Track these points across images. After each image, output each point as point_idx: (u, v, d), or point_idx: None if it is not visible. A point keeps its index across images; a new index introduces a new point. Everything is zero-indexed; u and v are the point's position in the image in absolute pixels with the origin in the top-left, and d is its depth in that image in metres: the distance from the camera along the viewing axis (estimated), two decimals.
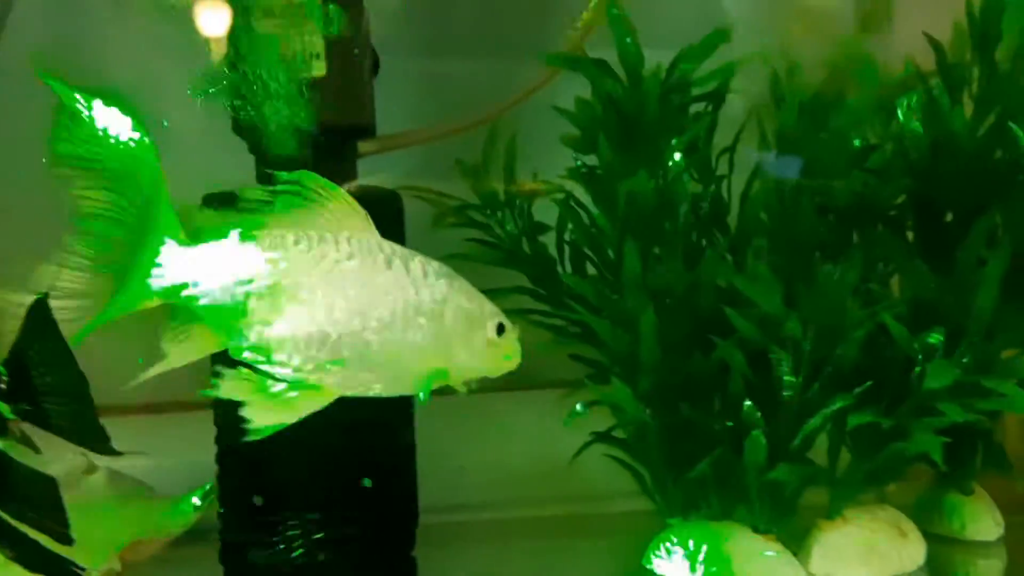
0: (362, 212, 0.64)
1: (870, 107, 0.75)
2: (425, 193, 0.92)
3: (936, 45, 0.75)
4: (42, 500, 0.68)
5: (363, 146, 0.87)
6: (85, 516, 0.82)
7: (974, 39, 0.74)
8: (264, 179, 0.85)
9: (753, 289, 0.74)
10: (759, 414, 0.74)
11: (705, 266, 0.77)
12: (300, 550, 0.82)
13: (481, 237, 0.92)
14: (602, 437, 0.86)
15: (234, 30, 0.81)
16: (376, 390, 0.64)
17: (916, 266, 0.73)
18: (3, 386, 0.66)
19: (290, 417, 0.63)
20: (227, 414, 0.77)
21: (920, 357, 0.71)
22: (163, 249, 0.63)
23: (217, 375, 0.63)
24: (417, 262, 0.63)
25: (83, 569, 0.68)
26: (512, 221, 0.90)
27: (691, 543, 0.78)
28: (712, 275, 0.77)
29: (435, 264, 0.64)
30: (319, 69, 0.82)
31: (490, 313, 0.64)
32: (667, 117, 0.75)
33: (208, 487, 0.86)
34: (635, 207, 0.75)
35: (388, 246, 0.64)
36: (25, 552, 0.67)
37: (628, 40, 0.77)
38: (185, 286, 0.63)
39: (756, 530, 0.78)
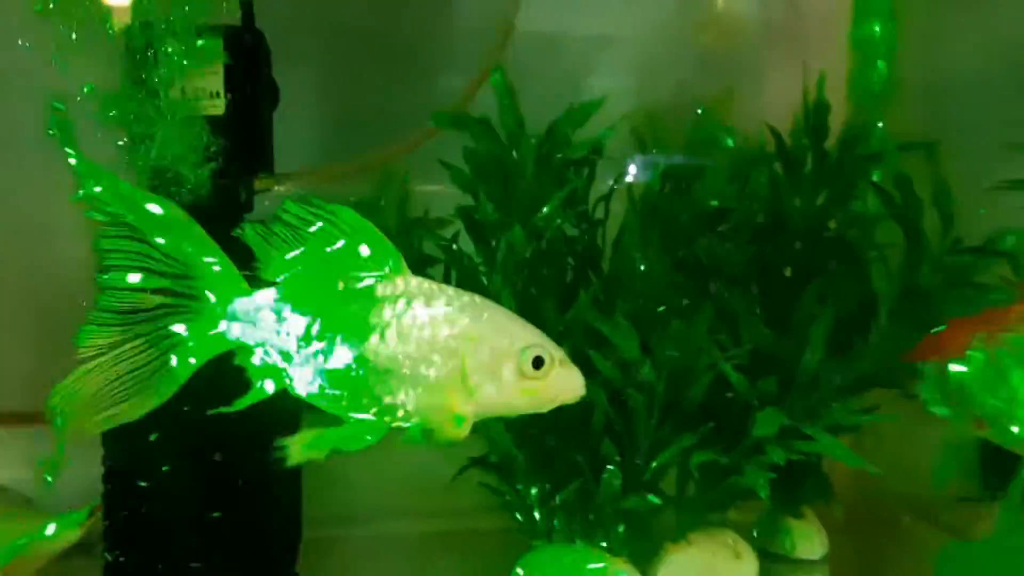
0: (395, 251, 0.65)
1: (725, 176, 0.84)
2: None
3: (775, 132, 0.85)
4: None
5: (260, 183, 0.91)
6: None
7: (807, 130, 0.84)
8: None
9: (615, 334, 0.82)
10: (616, 449, 0.82)
11: (576, 311, 0.85)
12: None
13: None
14: (477, 462, 0.93)
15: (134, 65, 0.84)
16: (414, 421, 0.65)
17: (754, 321, 0.82)
18: None
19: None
20: (114, 434, 0.80)
21: (756, 403, 0.81)
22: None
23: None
24: (447, 296, 0.64)
25: None
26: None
27: (551, 562, 0.86)
28: (582, 318, 0.85)
29: (467, 297, 0.64)
30: (217, 108, 0.86)
31: (522, 347, 0.63)
32: (543, 174, 0.82)
33: (94, 504, 0.89)
34: (512, 256, 0.82)
35: (426, 283, 0.65)
36: None
37: (507, 103, 0.84)
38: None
39: (611, 552, 0.86)
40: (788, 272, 0.86)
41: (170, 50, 0.84)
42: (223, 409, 0.66)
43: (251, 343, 0.65)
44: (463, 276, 0.89)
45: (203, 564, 0.85)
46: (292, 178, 0.96)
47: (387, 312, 0.63)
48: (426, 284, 0.65)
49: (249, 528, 0.85)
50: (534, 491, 0.86)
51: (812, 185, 0.83)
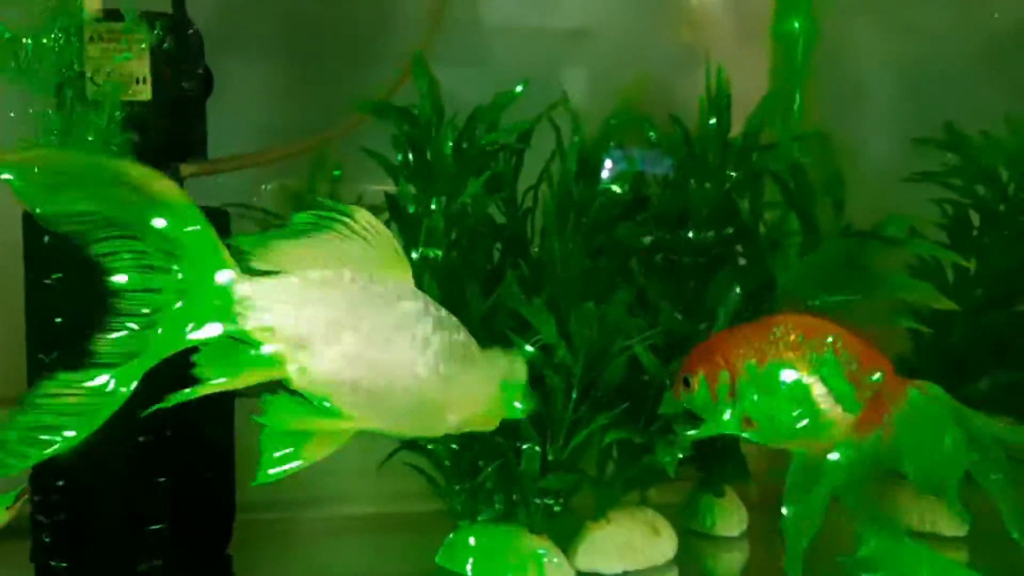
0: (405, 260, 0.64)
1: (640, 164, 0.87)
2: (252, 212, 0.99)
3: (678, 122, 0.88)
4: None
5: (186, 168, 0.92)
6: None
7: (711, 119, 0.87)
8: None
9: (533, 317, 0.85)
10: (535, 430, 0.85)
11: (499, 294, 0.87)
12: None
13: None
14: (407, 445, 0.95)
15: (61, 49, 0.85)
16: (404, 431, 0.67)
17: (664, 306, 0.85)
18: None
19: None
20: None
21: (668, 383, 0.83)
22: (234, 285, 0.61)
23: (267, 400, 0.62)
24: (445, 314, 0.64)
25: None
26: None
27: (476, 542, 0.89)
28: (506, 302, 0.87)
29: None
30: (144, 93, 0.87)
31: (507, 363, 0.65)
32: (464, 160, 0.84)
33: (21, 488, 0.90)
34: (432, 239, 0.84)
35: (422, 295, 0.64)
36: None
37: (426, 90, 0.86)
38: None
39: (532, 530, 0.89)
40: (699, 258, 0.89)
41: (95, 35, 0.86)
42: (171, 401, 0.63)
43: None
44: None
45: (133, 545, 0.85)
46: (222, 163, 0.97)
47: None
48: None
49: (180, 510, 0.86)
50: (456, 472, 0.88)
51: (717, 173, 0.86)
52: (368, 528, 1.05)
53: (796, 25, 1.17)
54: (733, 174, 0.85)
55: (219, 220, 0.90)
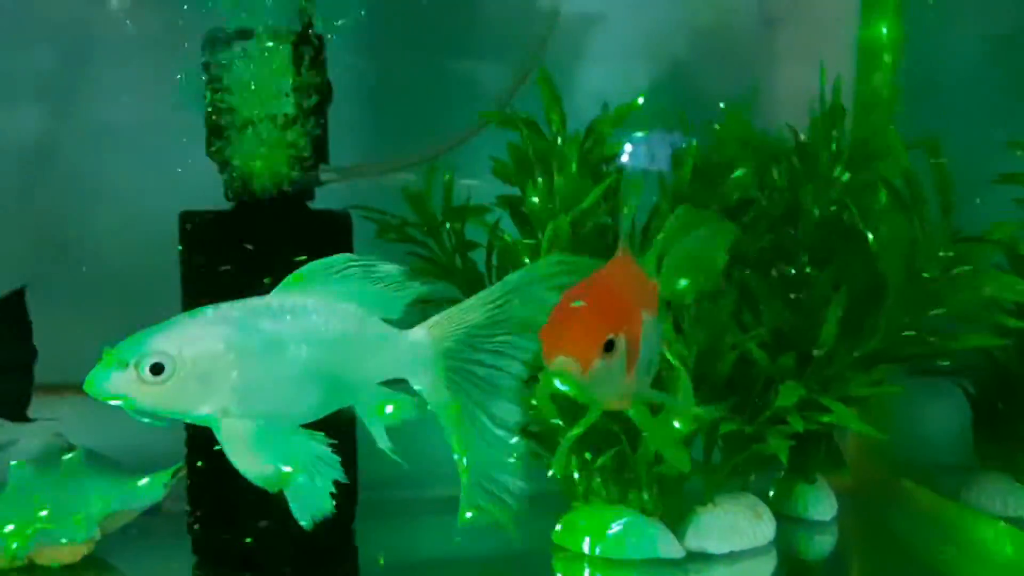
0: None
1: (749, 171, 0.93)
2: (373, 213, 1.06)
3: (792, 130, 0.94)
4: None
5: (325, 175, 0.99)
6: (68, 491, 0.94)
7: (824, 129, 0.92)
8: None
9: None
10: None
11: None
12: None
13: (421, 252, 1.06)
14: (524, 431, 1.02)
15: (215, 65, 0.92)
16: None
17: (775, 304, 0.91)
18: None
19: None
20: None
21: (777, 377, 0.90)
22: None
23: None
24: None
25: None
26: (447, 239, 1.05)
27: (591, 522, 0.95)
28: None
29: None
30: (290, 106, 0.94)
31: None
32: (583, 169, 0.91)
33: (177, 466, 0.98)
34: (557, 243, 0.91)
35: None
36: None
37: (552, 103, 0.92)
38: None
39: (644, 512, 0.95)
40: (804, 259, 0.95)
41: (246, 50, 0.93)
42: None
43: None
44: (507, 258, 0.98)
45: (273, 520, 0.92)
46: (353, 171, 1.04)
47: None
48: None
49: None
50: (575, 457, 0.95)
51: (826, 179, 0.92)
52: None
53: (884, 30, 1.21)
54: (843, 178, 0.90)
55: (342, 222, 0.98)
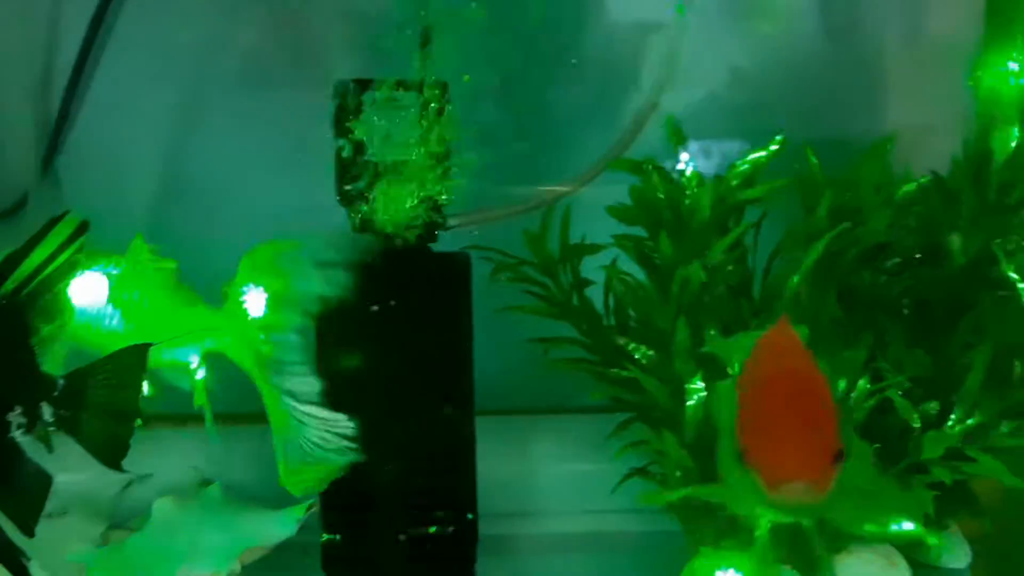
0: None
1: (885, 216, 0.91)
2: (491, 253, 1.07)
3: (935, 175, 0.92)
4: (30, 493, 0.77)
5: (452, 220, 1.02)
6: (208, 524, 0.98)
7: (969, 174, 0.90)
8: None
9: None
10: None
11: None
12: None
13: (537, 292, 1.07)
14: (639, 472, 1.02)
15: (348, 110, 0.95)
16: None
17: (916, 353, 0.89)
18: (56, 392, 0.78)
19: None
20: None
21: (919, 426, 0.88)
22: None
23: None
24: None
25: (28, 559, 0.76)
26: (564, 278, 1.06)
27: (719, 568, 0.95)
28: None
29: None
30: (441, 146, 0.97)
31: None
32: (716, 218, 0.91)
33: (311, 502, 1.01)
34: (687, 290, 0.91)
35: None
36: None
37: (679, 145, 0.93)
38: None
39: (776, 559, 0.94)
40: (944, 304, 0.92)
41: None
42: None
43: None
44: (633, 298, 0.98)
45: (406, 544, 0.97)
46: (475, 216, 1.07)
47: None
48: None
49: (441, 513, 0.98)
50: (703, 502, 0.94)
51: (970, 223, 0.89)
52: (603, 545, 1.12)
53: (1010, 61, 1.18)
54: (990, 224, 0.88)
55: (462, 264, 1.00)
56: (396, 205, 0.95)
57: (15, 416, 0.77)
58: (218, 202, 1.24)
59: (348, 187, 0.97)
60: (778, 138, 0.92)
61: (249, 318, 0.91)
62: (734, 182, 0.91)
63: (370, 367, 0.97)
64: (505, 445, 1.10)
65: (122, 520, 1.01)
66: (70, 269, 0.78)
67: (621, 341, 0.97)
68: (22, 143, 1.26)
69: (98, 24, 1.27)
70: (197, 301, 0.96)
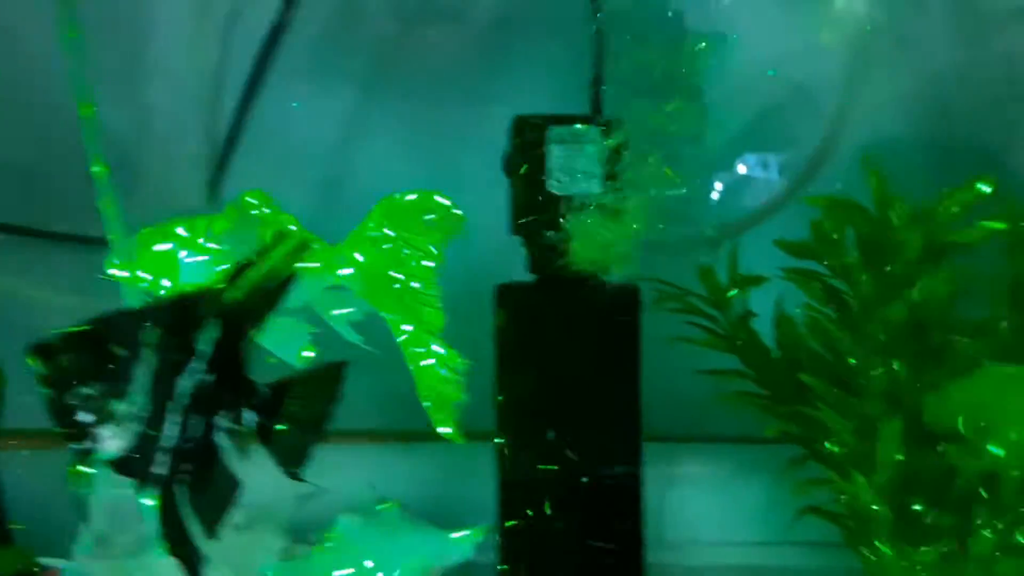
0: None
1: None
2: (658, 283, 1.07)
3: None
4: (220, 495, 0.80)
5: None
6: (389, 543, 0.98)
7: None
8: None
9: None
10: (987, 511, 0.87)
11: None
12: None
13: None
14: (814, 509, 1.00)
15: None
16: None
17: None
18: (256, 401, 0.81)
19: None
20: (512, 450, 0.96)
21: None
22: None
23: None
24: None
25: (203, 559, 0.78)
26: (732, 310, 1.05)
27: None
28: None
29: None
30: (605, 189, 0.98)
31: None
32: (923, 257, 0.89)
33: (488, 525, 1.01)
34: (889, 331, 0.89)
35: None
36: (171, 528, 0.78)
37: (877, 187, 0.92)
38: None
39: None
40: None
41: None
42: None
43: None
44: (820, 334, 0.97)
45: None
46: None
47: None
48: None
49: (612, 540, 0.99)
50: (893, 549, 0.92)
51: None
52: None
53: None
54: None
55: (632, 295, 1.01)
56: (588, 240, 0.96)
57: (221, 419, 0.79)
58: None
59: (525, 220, 1.00)
60: (987, 179, 0.90)
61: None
62: (942, 221, 0.89)
63: (542, 391, 0.99)
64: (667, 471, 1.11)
65: (300, 534, 1.02)
66: (288, 283, 0.81)
67: (805, 378, 0.96)
68: (191, 166, 1.30)
69: (269, 48, 1.32)
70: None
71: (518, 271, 1.03)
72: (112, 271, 0.82)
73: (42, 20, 1.02)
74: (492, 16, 1.29)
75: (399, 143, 1.28)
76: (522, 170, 0.99)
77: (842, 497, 0.94)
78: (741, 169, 1.14)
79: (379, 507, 0.99)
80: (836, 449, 0.94)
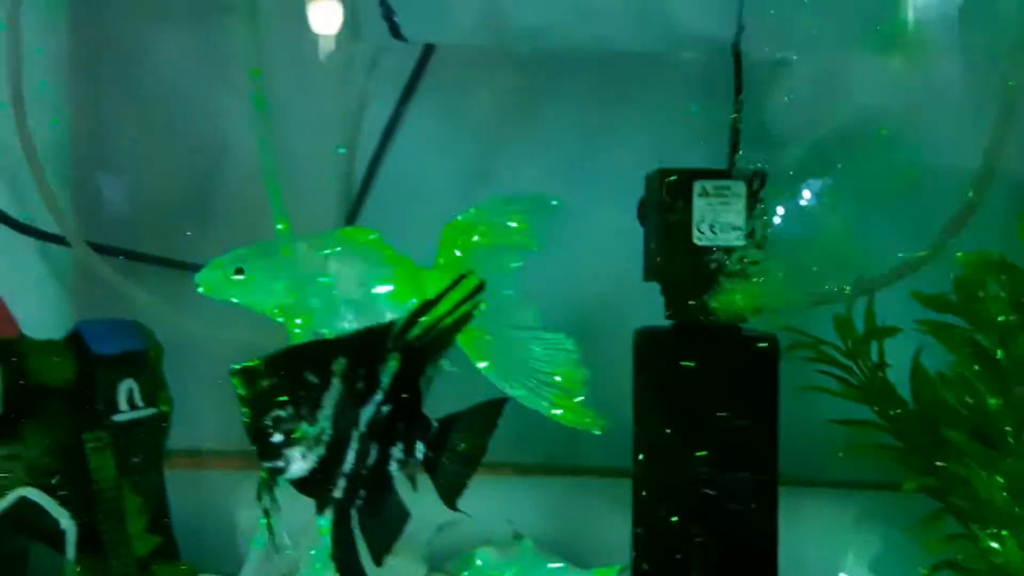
0: None
1: None
2: (796, 333, 1.09)
3: None
4: (391, 524, 0.83)
5: None
6: None
7: None
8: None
9: None
10: None
11: None
12: None
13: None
14: (951, 564, 1.00)
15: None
16: None
17: None
18: (427, 434, 0.84)
19: None
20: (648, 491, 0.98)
21: None
22: None
23: None
24: None
25: None
26: (865, 360, 1.07)
27: None
28: None
29: None
30: (739, 239, 1.01)
31: None
32: None
33: (621, 565, 1.03)
34: None
35: None
36: (343, 551, 0.80)
37: None
38: None
39: None
40: None
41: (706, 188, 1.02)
42: None
43: None
44: (959, 385, 0.97)
45: None
46: None
47: None
48: None
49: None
50: None
51: None
52: None
53: None
54: None
55: (771, 345, 1.01)
56: (732, 291, 0.99)
57: (396, 450, 0.83)
58: None
59: (664, 267, 1.03)
60: None
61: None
62: None
63: (680, 435, 1.01)
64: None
65: (437, 563, 1.05)
66: (464, 322, 0.85)
67: (949, 434, 0.97)
68: (326, 209, 1.37)
69: (404, 100, 1.39)
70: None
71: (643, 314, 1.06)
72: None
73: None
74: (617, 70, 1.34)
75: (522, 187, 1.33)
76: (665, 220, 1.02)
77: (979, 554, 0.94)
78: (881, 223, 1.16)
79: (515, 542, 1.03)
80: (981, 507, 0.94)
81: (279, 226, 0.96)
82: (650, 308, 1.06)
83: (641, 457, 1.02)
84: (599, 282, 1.28)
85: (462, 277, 0.84)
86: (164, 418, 1.05)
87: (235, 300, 0.95)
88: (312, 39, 1.27)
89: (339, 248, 0.95)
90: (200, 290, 0.94)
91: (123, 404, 1.00)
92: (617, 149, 1.35)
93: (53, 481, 0.92)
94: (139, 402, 1.01)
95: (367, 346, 0.81)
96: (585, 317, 1.20)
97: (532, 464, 1.08)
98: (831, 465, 1.14)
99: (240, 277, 0.94)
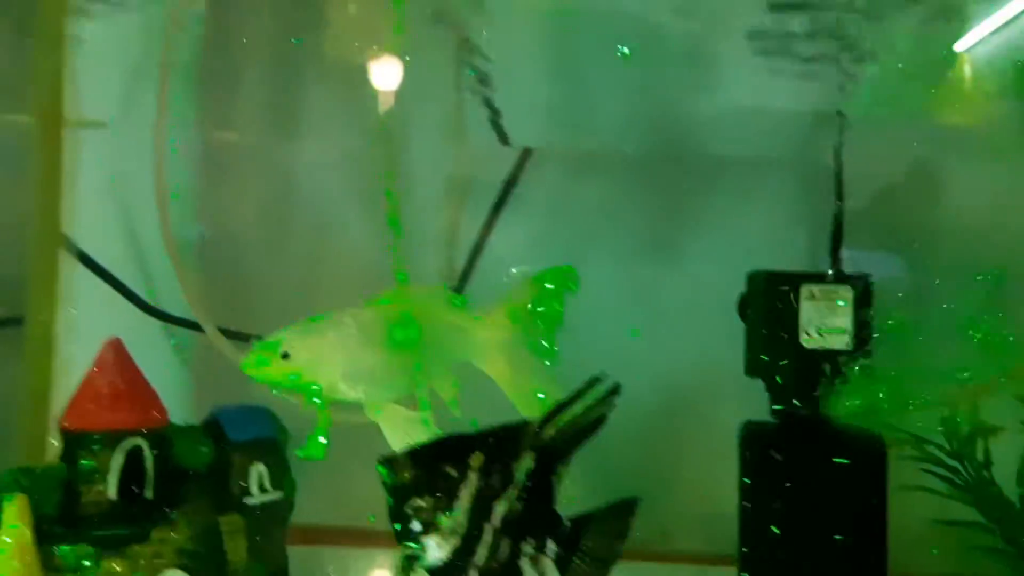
0: None
1: None
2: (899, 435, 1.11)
3: None
4: None
5: None
6: None
7: None
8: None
9: None
10: None
11: None
12: None
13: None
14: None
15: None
16: None
17: None
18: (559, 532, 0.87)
19: None
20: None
21: None
22: None
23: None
24: None
25: None
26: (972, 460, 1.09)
27: None
28: None
29: None
30: (847, 344, 1.05)
31: None
32: None
33: None
34: None
35: None
36: None
37: None
38: None
39: None
40: None
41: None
42: None
43: None
44: None
45: None
46: None
47: None
48: None
49: None
50: None
51: None
52: None
53: None
54: None
55: (877, 444, 1.03)
56: (841, 395, 1.03)
57: (527, 545, 0.86)
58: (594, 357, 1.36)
59: (766, 356, 1.06)
60: None
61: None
62: None
63: (786, 530, 1.03)
64: None
65: None
66: (598, 425, 0.89)
67: None
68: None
69: (504, 193, 1.46)
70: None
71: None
72: None
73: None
74: (708, 168, 1.40)
75: (613, 285, 1.37)
76: (772, 321, 1.06)
77: None
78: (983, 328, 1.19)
79: None
80: None
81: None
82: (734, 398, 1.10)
83: (746, 548, 1.04)
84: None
85: (594, 379, 0.88)
86: (290, 501, 1.10)
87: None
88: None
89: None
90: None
91: (254, 488, 1.06)
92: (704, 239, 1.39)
93: (193, 563, 0.97)
94: (268, 486, 1.06)
95: (503, 442, 0.86)
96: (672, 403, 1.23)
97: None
98: (923, 561, 1.14)
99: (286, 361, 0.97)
